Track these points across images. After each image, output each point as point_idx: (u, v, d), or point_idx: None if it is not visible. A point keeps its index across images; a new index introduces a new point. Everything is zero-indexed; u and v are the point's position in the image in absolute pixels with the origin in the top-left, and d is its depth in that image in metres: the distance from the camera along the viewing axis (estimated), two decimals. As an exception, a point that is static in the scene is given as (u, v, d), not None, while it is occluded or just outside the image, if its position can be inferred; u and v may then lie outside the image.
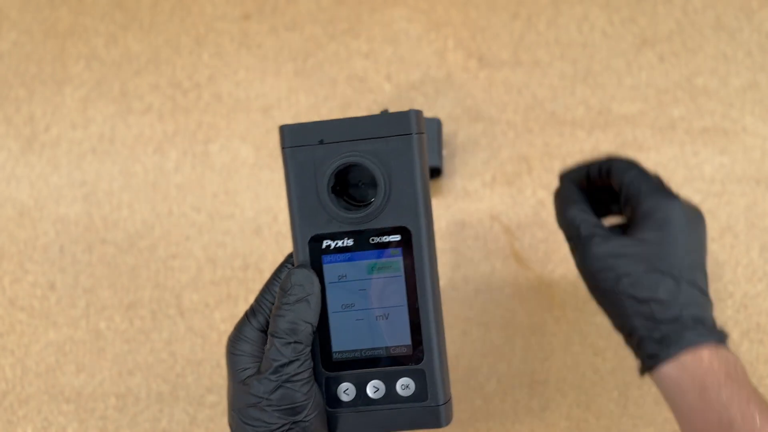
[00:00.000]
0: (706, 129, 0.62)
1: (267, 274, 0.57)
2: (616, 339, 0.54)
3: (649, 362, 0.40)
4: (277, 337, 0.35)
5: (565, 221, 0.44)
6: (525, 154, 0.61)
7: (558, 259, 0.57)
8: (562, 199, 0.45)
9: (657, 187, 0.42)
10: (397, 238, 0.37)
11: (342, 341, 0.37)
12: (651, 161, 0.61)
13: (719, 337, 0.40)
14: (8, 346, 0.56)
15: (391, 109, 0.63)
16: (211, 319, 0.56)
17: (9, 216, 0.60)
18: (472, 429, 0.52)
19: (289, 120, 0.63)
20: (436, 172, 0.60)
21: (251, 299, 0.56)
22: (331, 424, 0.38)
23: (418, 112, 0.37)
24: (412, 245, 0.37)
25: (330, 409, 0.37)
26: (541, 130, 0.62)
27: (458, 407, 0.55)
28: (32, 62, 0.66)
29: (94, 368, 0.55)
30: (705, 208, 0.59)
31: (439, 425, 0.37)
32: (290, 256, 0.39)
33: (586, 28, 0.67)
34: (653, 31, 0.66)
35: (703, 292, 0.41)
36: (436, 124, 0.58)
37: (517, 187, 0.60)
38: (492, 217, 0.60)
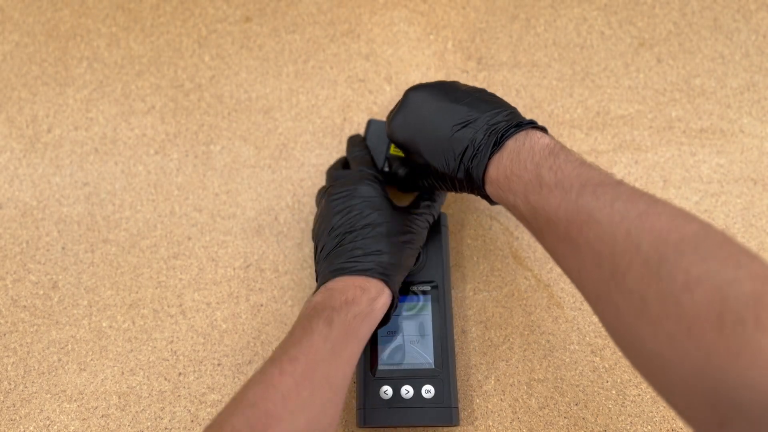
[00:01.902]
0: (703, 130, 0.63)
1: (268, 274, 0.58)
2: (615, 338, 0.55)
3: (475, 172, 0.45)
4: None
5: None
6: (524, 154, 0.62)
7: (556, 258, 0.58)
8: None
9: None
10: (428, 287, 0.54)
11: (386, 357, 0.52)
12: (649, 161, 0.61)
13: (515, 124, 0.44)
14: (11, 344, 0.56)
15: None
16: (213, 318, 0.56)
17: (12, 216, 0.61)
18: (471, 427, 0.52)
19: (290, 121, 0.64)
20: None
21: (252, 298, 0.57)
22: (374, 416, 0.50)
23: (446, 216, 0.57)
24: (438, 294, 0.53)
25: (374, 407, 0.50)
26: (540, 130, 0.62)
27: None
28: (35, 63, 0.67)
29: (96, 367, 0.55)
30: (703, 208, 0.60)
31: (451, 422, 0.50)
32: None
33: (585, 30, 0.67)
34: (651, 33, 0.67)
35: (494, 105, 0.45)
36: None
37: (516, 187, 0.61)
38: (491, 217, 0.60)
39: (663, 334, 0.30)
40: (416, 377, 0.51)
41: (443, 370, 0.51)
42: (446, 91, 0.48)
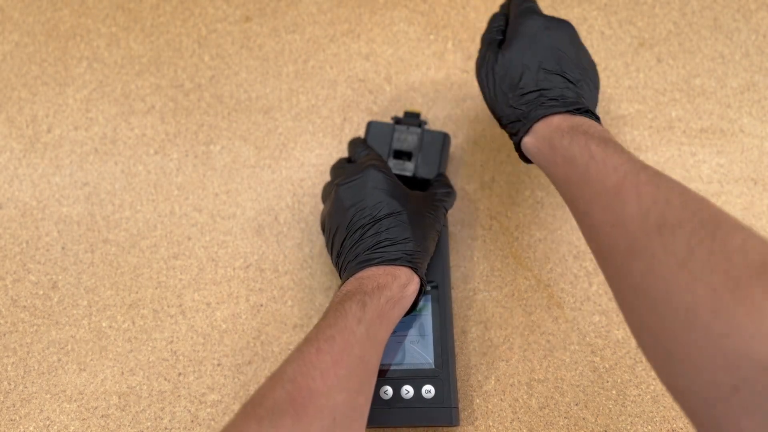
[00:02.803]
0: (703, 129, 0.63)
1: (268, 274, 0.58)
2: (615, 337, 0.55)
3: (515, 140, 0.49)
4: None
5: (482, 40, 0.55)
6: (524, 154, 0.62)
7: (557, 258, 0.58)
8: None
9: (524, 10, 0.52)
10: (428, 288, 0.53)
11: (386, 357, 0.51)
12: (649, 161, 0.61)
13: (574, 108, 0.46)
14: (10, 345, 0.56)
15: (392, 111, 0.64)
16: (213, 319, 0.56)
17: (12, 216, 0.61)
18: (472, 428, 0.52)
19: (290, 121, 0.64)
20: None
21: (252, 299, 0.57)
22: (374, 417, 0.49)
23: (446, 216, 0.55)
24: (439, 295, 0.53)
25: (374, 407, 0.47)
26: (540, 130, 0.62)
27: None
28: (35, 63, 0.67)
29: (95, 367, 0.55)
30: (703, 208, 0.60)
31: (451, 423, 0.50)
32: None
33: (585, 30, 0.67)
34: (651, 33, 0.67)
35: (570, 80, 0.48)
36: (442, 137, 0.58)
37: (516, 187, 0.61)
38: (491, 217, 0.60)
39: (704, 287, 0.30)
40: (416, 377, 0.50)
41: (443, 370, 0.51)
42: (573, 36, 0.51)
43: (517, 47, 0.50)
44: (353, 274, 0.47)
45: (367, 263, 0.47)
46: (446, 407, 0.50)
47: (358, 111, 0.64)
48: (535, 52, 0.49)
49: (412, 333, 0.52)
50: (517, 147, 0.49)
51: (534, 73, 0.48)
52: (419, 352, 0.52)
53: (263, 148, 0.63)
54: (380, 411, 0.50)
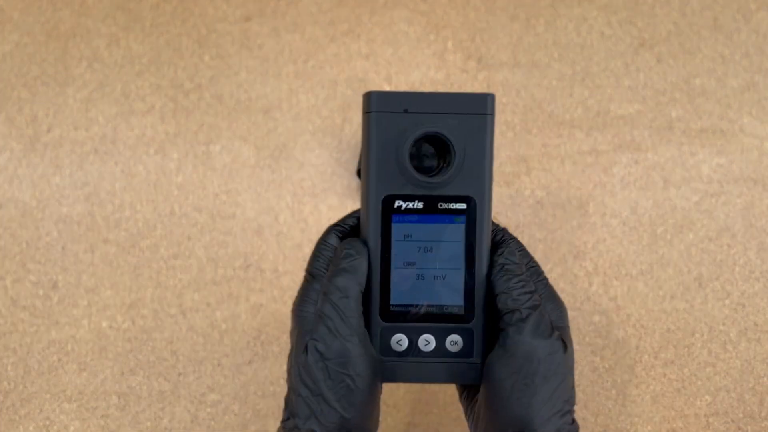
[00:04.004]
0: (703, 130, 0.63)
1: (268, 274, 0.58)
2: (615, 337, 0.55)
3: None
4: (329, 298, 0.38)
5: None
6: (524, 154, 0.62)
7: (557, 258, 0.58)
8: None
9: (533, 322, 0.39)
10: (463, 206, 0.40)
11: (400, 295, 0.40)
12: (649, 162, 0.61)
13: None
14: (10, 345, 0.56)
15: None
16: (213, 319, 0.56)
17: (11, 216, 0.61)
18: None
19: (290, 121, 0.64)
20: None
21: (253, 298, 0.57)
22: (384, 371, 0.40)
23: (493, 96, 0.40)
24: (476, 215, 0.40)
25: (384, 359, 0.40)
26: (540, 131, 0.62)
27: (458, 406, 0.55)
28: (35, 63, 0.67)
29: (95, 367, 0.55)
30: (703, 208, 0.60)
31: (480, 381, 0.40)
32: (334, 225, 0.42)
33: (585, 30, 0.67)
34: (651, 33, 0.67)
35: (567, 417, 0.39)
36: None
37: (515, 187, 0.61)
38: (491, 217, 0.60)
39: None
40: (440, 324, 0.40)
41: (476, 315, 0.40)
42: None
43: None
44: None
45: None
46: (476, 363, 0.40)
47: (358, 111, 0.64)
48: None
49: (438, 266, 0.40)
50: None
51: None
52: (445, 291, 0.40)
53: (263, 148, 0.63)
54: (391, 365, 0.40)
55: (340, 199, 0.61)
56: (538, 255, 0.58)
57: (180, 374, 0.54)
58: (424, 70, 0.66)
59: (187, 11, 0.69)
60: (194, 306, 0.57)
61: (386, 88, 0.65)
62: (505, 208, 0.60)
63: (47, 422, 0.53)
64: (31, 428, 0.53)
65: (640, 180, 0.61)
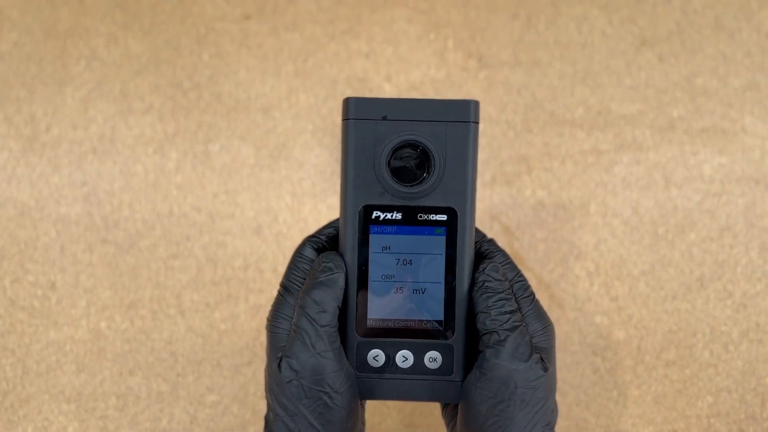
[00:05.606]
0: (705, 129, 0.63)
1: (267, 274, 0.57)
2: (616, 338, 0.55)
3: None
4: (305, 312, 0.37)
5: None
6: (524, 154, 0.61)
7: (558, 258, 0.57)
8: None
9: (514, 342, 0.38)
10: (443, 218, 0.39)
11: (378, 309, 0.39)
12: (650, 161, 0.61)
13: None
14: (9, 345, 0.56)
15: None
16: (212, 319, 0.56)
17: (10, 216, 0.61)
18: (472, 428, 0.52)
19: (290, 120, 0.64)
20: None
21: (252, 299, 0.57)
22: (359, 388, 0.39)
23: (477, 103, 0.40)
24: (457, 227, 0.39)
25: (357, 373, 0.39)
26: (541, 130, 0.62)
27: (458, 407, 0.55)
28: (33, 62, 0.67)
29: (94, 368, 0.55)
30: (705, 208, 0.60)
31: (459, 400, 0.39)
32: (310, 236, 0.40)
33: (586, 29, 0.67)
34: (653, 32, 0.66)
35: None
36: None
37: (516, 187, 0.61)
38: (492, 217, 0.60)
39: None
40: (418, 340, 0.39)
41: (456, 331, 0.39)
42: None
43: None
44: None
45: None
46: (455, 381, 0.39)
47: (358, 110, 0.64)
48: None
49: (417, 279, 0.39)
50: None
51: None
52: (424, 305, 0.39)
53: (262, 148, 0.63)
54: (367, 382, 0.39)
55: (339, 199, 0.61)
56: (539, 255, 0.58)
57: (179, 375, 0.54)
58: (424, 69, 0.65)
59: (186, 10, 0.68)
60: (193, 306, 0.57)
61: (386, 87, 0.65)
62: (506, 207, 0.60)
63: (46, 423, 0.53)
64: (29, 429, 0.53)
65: (641, 180, 0.61)
